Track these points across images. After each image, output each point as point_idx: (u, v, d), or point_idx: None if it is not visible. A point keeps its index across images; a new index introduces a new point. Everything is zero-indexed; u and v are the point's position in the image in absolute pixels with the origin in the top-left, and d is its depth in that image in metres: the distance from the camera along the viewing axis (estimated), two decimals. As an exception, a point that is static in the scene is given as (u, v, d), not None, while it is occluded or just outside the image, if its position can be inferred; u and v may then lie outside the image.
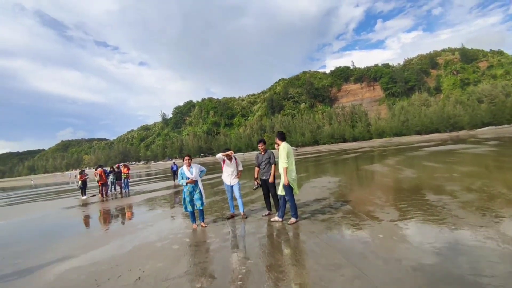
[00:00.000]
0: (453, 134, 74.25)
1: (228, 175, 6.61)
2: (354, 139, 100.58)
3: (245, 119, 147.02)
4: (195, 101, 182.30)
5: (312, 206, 7.11)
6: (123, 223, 7.59)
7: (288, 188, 5.65)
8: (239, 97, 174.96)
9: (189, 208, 5.98)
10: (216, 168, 32.65)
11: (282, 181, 5.70)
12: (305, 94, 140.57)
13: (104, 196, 14.13)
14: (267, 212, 6.60)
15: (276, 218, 5.99)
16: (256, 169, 6.53)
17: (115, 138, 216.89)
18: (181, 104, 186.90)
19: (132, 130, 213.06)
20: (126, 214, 8.98)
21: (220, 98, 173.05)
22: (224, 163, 6.66)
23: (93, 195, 15.31)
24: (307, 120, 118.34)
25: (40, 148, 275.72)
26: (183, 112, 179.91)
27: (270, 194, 6.46)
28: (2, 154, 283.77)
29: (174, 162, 20.17)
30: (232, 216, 6.66)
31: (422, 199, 6.64)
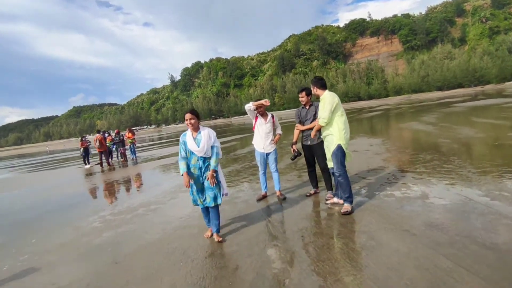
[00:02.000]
0: (478, 89, 69.13)
1: (261, 139, 4.59)
2: (370, 97, 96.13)
3: (255, 79, 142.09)
4: (203, 62, 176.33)
5: (369, 179, 5.18)
6: (118, 205, 5.87)
7: (341, 153, 3.75)
8: (248, 56, 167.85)
9: (199, 202, 3.38)
10: (227, 131, 30.84)
11: (331, 145, 3.83)
12: (317, 50, 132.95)
13: (106, 165, 12.63)
14: (312, 191, 4.70)
15: (335, 199, 4.12)
16: (296, 131, 4.52)
17: (125, 102, 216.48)
18: (189, 65, 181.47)
19: (142, 94, 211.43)
20: (125, 191, 7.34)
21: (228, 58, 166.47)
22: (256, 121, 4.65)
23: (98, 163, 13.89)
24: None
25: (54, 115, 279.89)
26: (192, 74, 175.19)
27: (317, 165, 4.50)
28: (19, 121, 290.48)
29: None
30: (264, 197, 4.84)
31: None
